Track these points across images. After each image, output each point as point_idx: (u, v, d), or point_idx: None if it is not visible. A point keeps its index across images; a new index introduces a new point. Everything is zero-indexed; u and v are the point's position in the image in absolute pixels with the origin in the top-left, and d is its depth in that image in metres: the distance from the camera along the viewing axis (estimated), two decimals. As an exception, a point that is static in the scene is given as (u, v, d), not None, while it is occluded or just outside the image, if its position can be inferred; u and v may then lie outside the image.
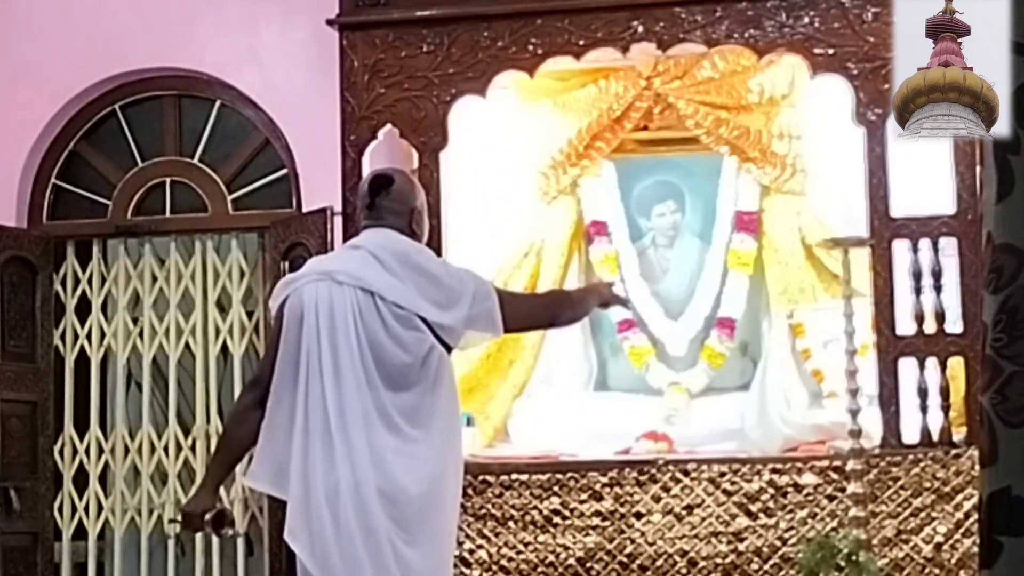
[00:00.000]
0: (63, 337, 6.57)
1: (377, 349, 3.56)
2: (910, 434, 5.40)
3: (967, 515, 5.22)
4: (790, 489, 5.38)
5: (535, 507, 5.50)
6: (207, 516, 3.67)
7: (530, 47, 5.71)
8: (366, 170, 5.69)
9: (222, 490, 3.97)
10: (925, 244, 5.46)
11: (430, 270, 3.69)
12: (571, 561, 5.46)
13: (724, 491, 5.42)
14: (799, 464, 5.42)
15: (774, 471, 5.41)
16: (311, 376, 3.55)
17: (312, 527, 3.49)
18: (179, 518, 3.81)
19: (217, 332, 6.54)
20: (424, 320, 3.59)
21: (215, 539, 6.41)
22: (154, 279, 6.63)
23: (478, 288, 3.70)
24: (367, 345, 3.56)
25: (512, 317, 3.76)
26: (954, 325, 5.44)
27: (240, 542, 6.41)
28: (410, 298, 3.59)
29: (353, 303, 3.58)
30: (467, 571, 5.45)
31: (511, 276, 6.34)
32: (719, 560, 5.38)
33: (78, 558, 6.54)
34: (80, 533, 6.53)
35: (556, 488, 5.51)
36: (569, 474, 5.52)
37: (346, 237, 5.67)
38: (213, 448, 3.92)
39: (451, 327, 3.62)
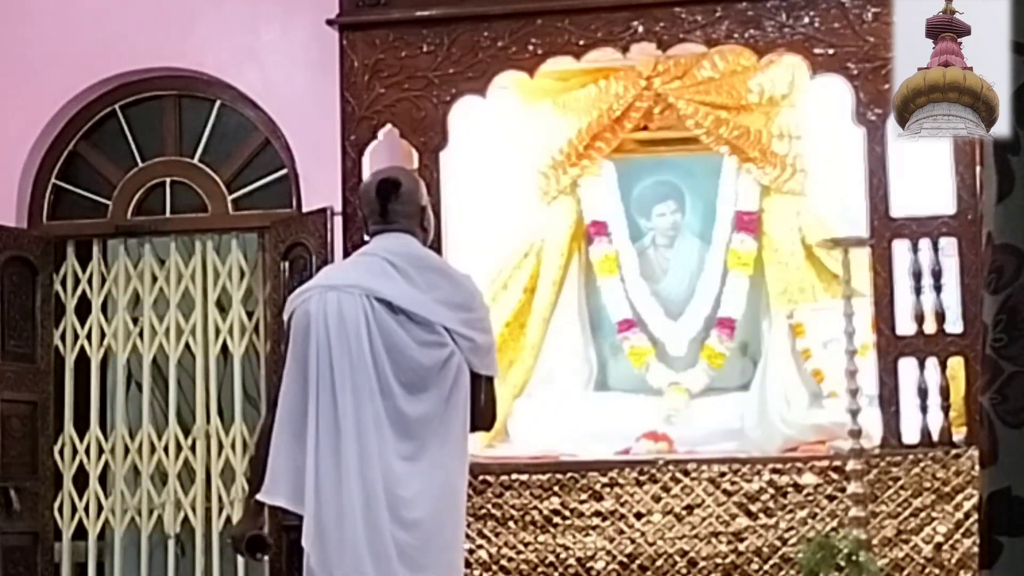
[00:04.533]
0: (63, 337, 6.57)
1: (395, 353, 3.52)
2: (910, 434, 5.40)
3: (967, 515, 5.22)
4: (790, 489, 5.38)
5: (535, 507, 5.50)
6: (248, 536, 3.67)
7: (530, 47, 5.71)
8: (366, 170, 5.70)
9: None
10: (925, 244, 5.46)
11: (448, 272, 3.69)
12: (571, 561, 5.46)
13: (724, 491, 5.42)
14: (799, 464, 5.42)
15: (774, 471, 5.41)
16: (321, 387, 3.51)
17: (322, 536, 3.47)
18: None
19: (217, 332, 6.54)
20: (444, 328, 3.57)
21: (215, 540, 6.42)
22: (154, 279, 6.62)
23: (489, 319, 3.71)
24: (383, 350, 3.52)
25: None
26: (954, 325, 5.44)
27: (240, 542, 6.40)
28: (426, 305, 3.55)
29: (366, 311, 3.53)
30: (467, 571, 5.44)
31: (511, 276, 6.35)
32: (719, 560, 5.39)
33: (78, 558, 6.54)
34: (80, 533, 6.52)
35: (556, 488, 5.51)
36: (569, 474, 5.52)
37: (346, 237, 5.68)
38: (248, 473, 3.88)
39: (468, 336, 3.58)
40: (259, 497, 3.60)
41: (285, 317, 3.70)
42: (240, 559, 6.41)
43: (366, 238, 3.81)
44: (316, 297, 3.59)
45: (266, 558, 3.85)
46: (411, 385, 3.53)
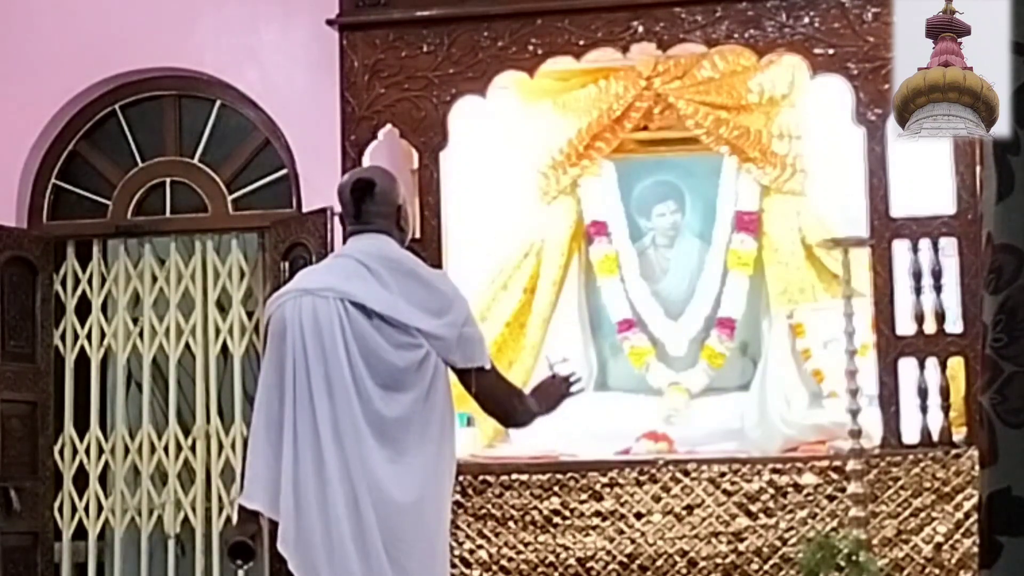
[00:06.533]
0: (63, 337, 6.57)
1: (370, 356, 3.51)
2: (910, 434, 5.40)
3: (967, 515, 5.22)
4: (790, 489, 5.38)
5: (535, 507, 5.50)
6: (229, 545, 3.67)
7: (530, 47, 5.71)
8: (366, 170, 5.70)
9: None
10: (925, 244, 5.46)
11: (422, 275, 3.64)
12: (571, 561, 5.46)
13: (724, 491, 5.42)
14: (799, 464, 5.42)
15: (774, 471, 5.41)
16: (299, 393, 3.49)
17: (304, 540, 3.46)
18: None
19: (217, 332, 6.54)
20: (418, 330, 3.55)
21: (215, 540, 6.42)
22: (154, 279, 6.62)
23: (470, 313, 3.68)
24: (358, 354, 3.51)
25: (495, 372, 3.70)
26: (954, 325, 5.44)
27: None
28: (399, 308, 3.53)
29: (340, 315, 3.52)
30: (467, 571, 5.45)
31: (511, 276, 6.34)
32: (719, 560, 5.38)
33: (78, 558, 6.54)
34: (80, 533, 6.53)
35: (556, 488, 5.51)
36: (569, 474, 5.52)
37: (345, 237, 5.67)
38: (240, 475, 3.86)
39: (443, 337, 3.55)
40: (239, 501, 3.59)
41: (263, 322, 3.70)
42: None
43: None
44: (291, 302, 3.58)
45: (247, 565, 3.81)
46: (387, 387, 3.51)
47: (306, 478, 3.47)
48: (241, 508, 3.67)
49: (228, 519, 6.33)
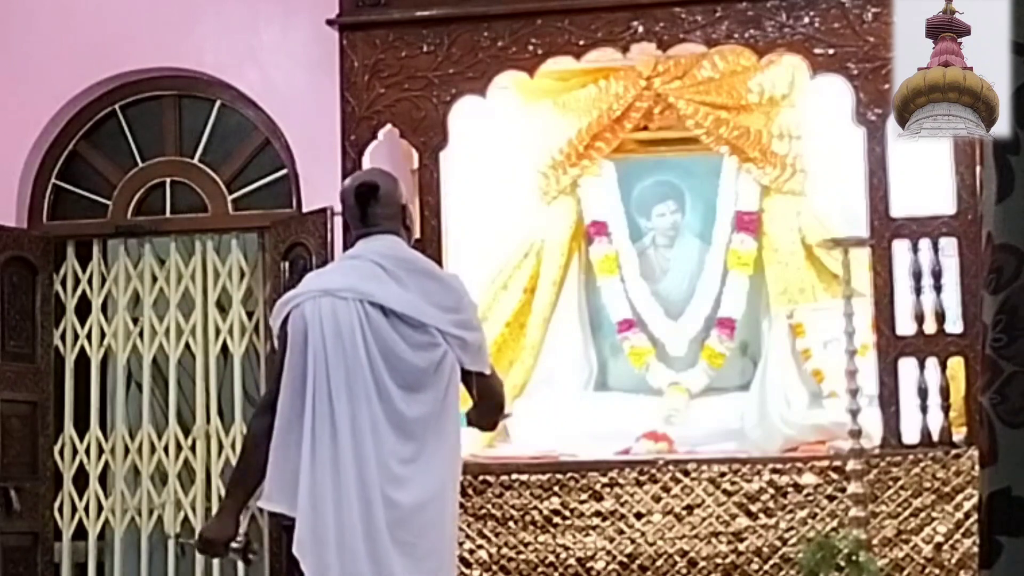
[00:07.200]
0: (63, 337, 6.57)
1: (390, 356, 3.52)
2: (910, 434, 5.40)
3: (967, 515, 5.22)
4: (790, 489, 5.38)
5: (535, 507, 5.50)
6: (233, 545, 3.65)
7: (530, 47, 5.71)
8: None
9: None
10: (925, 244, 5.46)
11: (436, 273, 3.70)
12: (571, 561, 5.46)
13: (724, 491, 5.42)
14: (799, 464, 5.42)
15: (774, 471, 5.41)
16: (318, 392, 3.50)
17: (318, 539, 3.46)
18: (194, 541, 3.79)
19: (217, 332, 6.54)
20: (437, 329, 3.57)
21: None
22: (154, 279, 6.62)
23: (478, 318, 3.71)
24: (378, 354, 3.52)
25: (494, 375, 3.75)
26: (954, 325, 5.44)
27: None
28: (417, 307, 3.55)
29: (360, 316, 3.53)
30: (467, 571, 5.45)
31: (511, 276, 6.35)
32: (719, 560, 5.38)
33: (78, 558, 6.54)
34: (80, 533, 6.53)
35: (556, 488, 5.51)
36: (569, 474, 5.52)
37: (346, 237, 5.66)
38: (231, 476, 3.85)
39: (459, 335, 3.58)
40: (260, 504, 3.61)
41: (275, 323, 3.69)
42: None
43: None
44: (310, 303, 3.58)
45: (254, 559, 3.83)
46: (408, 387, 3.53)
47: (323, 478, 3.48)
48: (226, 505, 3.69)
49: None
